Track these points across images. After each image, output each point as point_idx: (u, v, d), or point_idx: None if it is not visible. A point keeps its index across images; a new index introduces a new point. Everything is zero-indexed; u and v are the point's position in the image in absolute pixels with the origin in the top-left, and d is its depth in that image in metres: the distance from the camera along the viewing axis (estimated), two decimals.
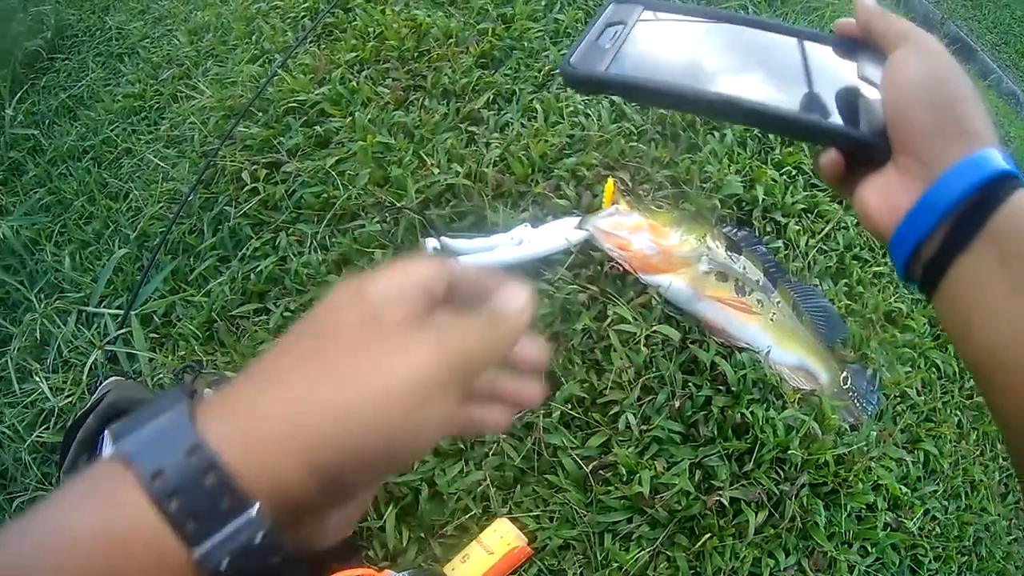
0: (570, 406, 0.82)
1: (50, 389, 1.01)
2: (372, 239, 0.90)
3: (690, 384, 0.86)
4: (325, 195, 0.94)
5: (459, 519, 0.83)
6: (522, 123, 0.94)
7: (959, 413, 1.05)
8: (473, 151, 0.92)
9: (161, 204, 1.13)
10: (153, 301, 1.00)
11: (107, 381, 0.92)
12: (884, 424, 0.98)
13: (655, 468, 0.84)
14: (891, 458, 0.96)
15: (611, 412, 0.83)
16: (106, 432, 0.76)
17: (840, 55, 0.38)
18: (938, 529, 0.99)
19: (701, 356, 0.86)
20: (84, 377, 0.97)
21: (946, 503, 1.02)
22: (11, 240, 1.19)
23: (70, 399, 0.99)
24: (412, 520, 0.85)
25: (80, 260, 1.16)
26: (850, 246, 1.00)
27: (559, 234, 0.87)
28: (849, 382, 0.96)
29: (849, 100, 0.35)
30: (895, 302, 1.00)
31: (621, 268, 0.87)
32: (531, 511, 0.83)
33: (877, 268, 1.01)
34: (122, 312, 1.01)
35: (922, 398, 1.01)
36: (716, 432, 0.85)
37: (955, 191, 0.30)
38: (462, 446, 0.83)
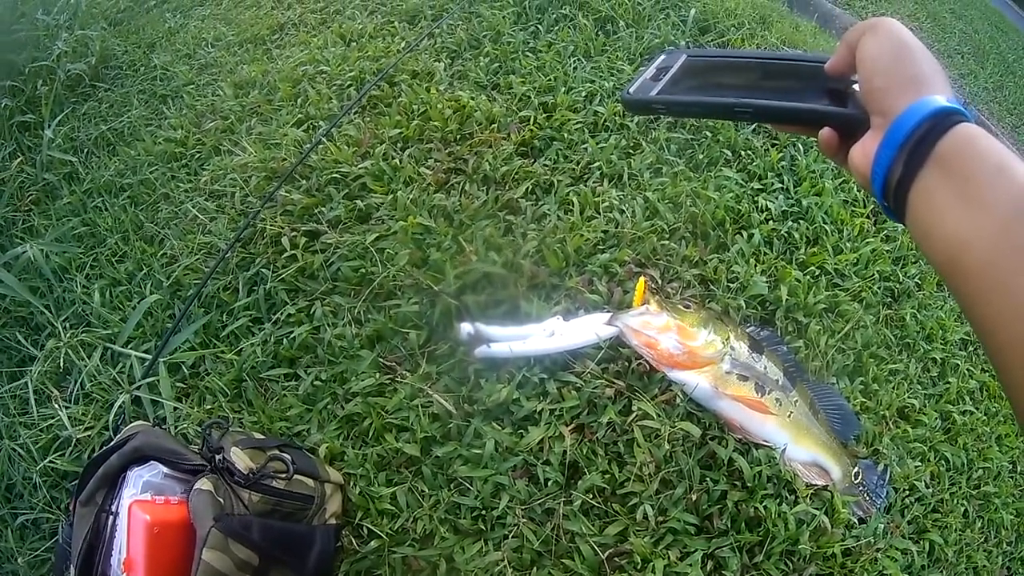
0: (591, 495, 0.87)
1: (69, 419, 1.03)
2: (407, 319, 0.95)
3: (707, 479, 0.90)
4: (363, 270, 0.98)
5: None
6: (559, 215, 0.99)
7: (966, 503, 1.09)
8: (510, 240, 0.97)
9: (197, 256, 1.15)
10: (182, 351, 1.01)
11: (133, 424, 0.94)
12: (892, 517, 1.02)
13: (669, 557, 0.88)
14: (897, 549, 1.00)
15: (630, 503, 0.88)
16: (128, 473, 0.77)
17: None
18: None
19: (719, 452, 0.90)
20: (110, 416, 0.99)
21: None
22: (40, 263, 1.20)
23: (89, 432, 1.02)
24: None
25: (110, 297, 1.16)
26: (868, 344, 1.04)
27: (590, 329, 0.92)
28: (860, 477, 1.00)
29: (837, 91, 0.46)
30: (908, 398, 1.03)
31: (648, 365, 0.91)
32: None
33: (893, 365, 1.04)
34: (150, 357, 1.03)
35: (930, 490, 1.05)
36: (730, 524, 0.90)
37: (905, 127, 0.38)
38: (482, 527, 0.89)
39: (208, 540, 0.69)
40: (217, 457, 0.77)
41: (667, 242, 0.98)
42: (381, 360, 0.95)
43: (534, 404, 0.90)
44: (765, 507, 0.90)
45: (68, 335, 1.09)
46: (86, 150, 1.56)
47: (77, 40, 1.91)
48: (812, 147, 1.18)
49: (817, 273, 1.03)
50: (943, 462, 1.08)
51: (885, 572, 0.99)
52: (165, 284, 1.13)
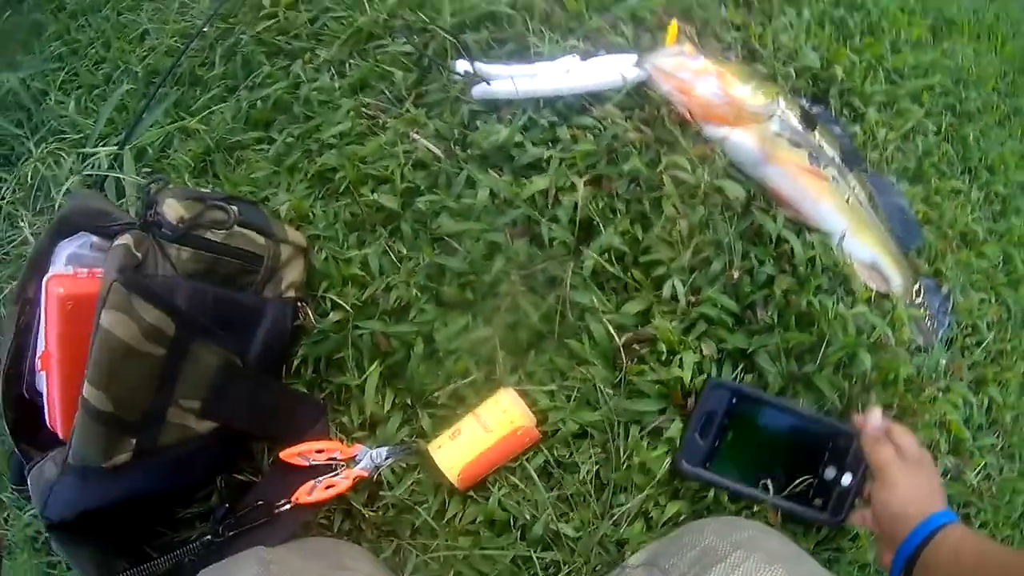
0: (606, 258, 0.68)
1: (33, 236, 0.92)
2: (395, 60, 0.77)
3: (751, 256, 0.72)
4: (351, 19, 0.82)
5: (456, 384, 0.68)
6: None
7: None
8: None
9: (175, 38, 1.02)
10: (149, 131, 0.90)
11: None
12: (953, 354, 0.84)
13: (700, 351, 0.69)
14: (959, 395, 0.83)
15: (655, 274, 0.69)
16: (55, 249, 0.64)
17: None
18: (993, 490, 0.86)
19: (767, 226, 0.72)
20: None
21: (1002, 462, 0.88)
22: (20, 93, 1.13)
23: None
24: (399, 382, 0.71)
25: (85, 103, 1.06)
26: (929, 152, 0.88)
27: (613, 69, 0.74)
28: (922, 296, 0.82)
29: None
30: (972, 223, 0.88)
31: (681, 114, 0.74)
32: (545, 385, 0.69)
33: (955, 183, 0.89)
34: (114, 151, 0.91)
35: (991, 335, 0.88)
36: (776, 319, 0.71)
37: (904, 554, 0.56)
38: (470, 296, 0.69)
39: (108, 299, 0.55)
40: (149, 212, 0.62)
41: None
42: (363, 110, 0.77)
43: (541, 150, 0.71)
44: (820, 303, 0.71)
45: (40, 150, 0.99)
46: None
47: None
48: None
49: (874, 63, 0.88)
50: (1005, 308, 0.92)
51: (946, 419, 0.81)
52: (140, 75, 1.02)
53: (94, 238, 0.65)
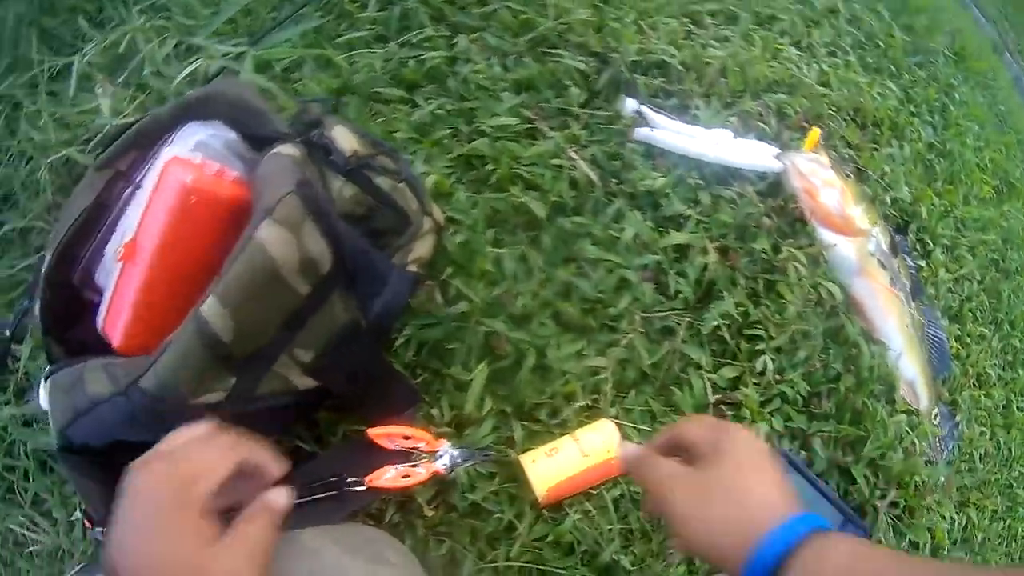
0: (718, 323, 0.75)
1: (111, 108, 0.81)
2: (569, 73, 0.81)
3: (829, 351, 0.81)
4: (525, 17, 0.83)
5: (559, 404, 0.71)
6: (741, 45, 0.90)
7: (999, 496, 1.07)
8: (691, 44, 0.87)
9: None
10: (279, 48, 0.82)
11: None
12: (950, 474, 0.97)
13: (772, 424, 0.77)
14: (947, 508, 0.95)
15: (754, 347, 0.77)
16: (179, 129, 0.53)
17: None
18: None
19: (848, 329, 0.81)
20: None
21: None
22: None
23: (127, 122, 0.80)
24: (501, 388, 0.69)
25: None
26: (970, 299, 1.01)
27: (757, 154, 0.82)
28: (938, 420, 0.95)
29: None
30: (988, 367, 1.01)
31: (803, 212, 0.82)
32: (639, 425, 0.74)
33: (983, 329, 1.02)
34: (234, 51, 0.82)
35: (982, 467, 1.01)
36: (834, 410, 0.80)
37: None
38: (591, 323, 0.74)
39: (278, 209, 0.46)
40: (314, 132, 0.55)
41: (833, 112, 0.91)
42: (522, 110, 0.80)
43: (683, 207, 0.78)
44: (871, 405, 0.81)
45: (140, 19, 0.86)
46: None
47: None
48: (965, 100, 1.20)
49: (948, 209, 1.01)
50: (995, 445, 1.06)
51: (935, 527, 0.93)
52: None
53: (231, 134, 0.54)
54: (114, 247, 0.51)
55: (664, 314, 0.74)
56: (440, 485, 0.65)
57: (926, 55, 1.22)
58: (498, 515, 0.65)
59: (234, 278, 0.44)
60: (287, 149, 0.50)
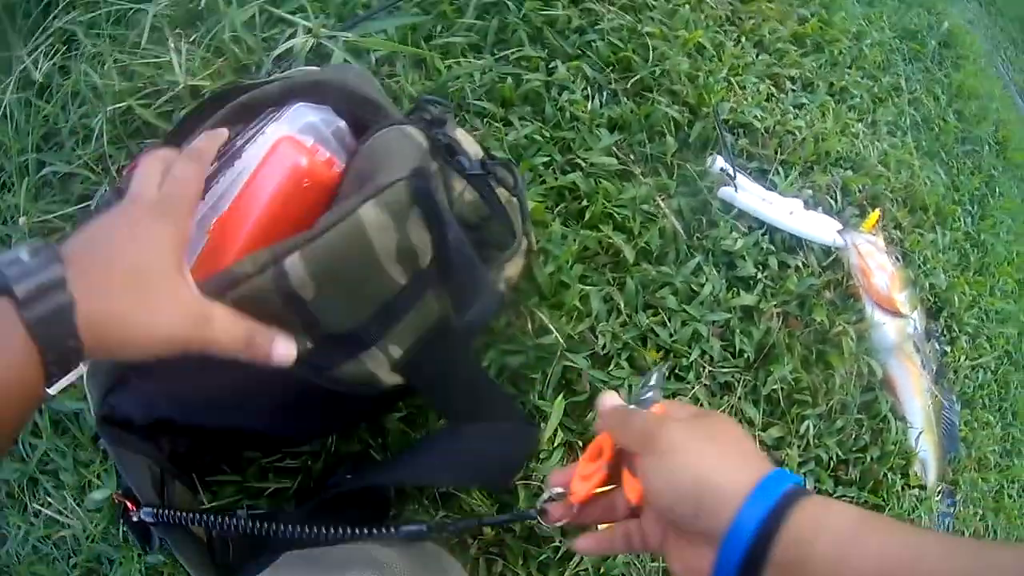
0: (773, 386, 0.79)
1: (182, 66, 0.77)
2: (661, 120, 0.82)
3: (862, 423, 0.85)
4: (623, 54, 0.84)
5: None
6: (816, 116, 0.94)
7: None
8: (772, 107, 0.90)
9: None
10: (372, 38, 0.79)
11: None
12: None
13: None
14: None
15: (800, 412, 0.81)
16: (288, 106, 0.51)
17: None
18: None
19: (881, 404, 0.86)
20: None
21: None
22: None
23: (201, 84, 0.76)
24: (571, 422, 0.70)
25: None
26: (983, 387, 1.07)
27: (823, 227, 0.86)
28: (940, 496, 1.01)
29: None
30: (988, 453, 1.08)
31: (856, 289, 0.87)
32: None
33: (989, 416, 1.09)
34: (323, 30, 0.78)
35: None
36: (858, 478, 0.85)
37: (735, 555, 0.32)
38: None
39: (385, 194, 0.43)
40: (438, 131, 0.52)
41: (889, 194, 0.96)
42: (615, 149, 0.81)
43: (754, 270, 0.80)
44: (891, 478, 0.86)
45: None
46: None
47: None
48: (1003, 192, 1.27)
49: (976, 299, 1.07)
50: (985, 526, 1.13)
51: None
52: None
53: (341, 122, 0.52)
54: (207, 218, 0.47)
55: (727, 370, 0.77)
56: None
57: (974, 144, 1.29)
58: (556, 544, 0.66)
59: (324, 246, 0.42)
60: (415, 133, 0.49)
